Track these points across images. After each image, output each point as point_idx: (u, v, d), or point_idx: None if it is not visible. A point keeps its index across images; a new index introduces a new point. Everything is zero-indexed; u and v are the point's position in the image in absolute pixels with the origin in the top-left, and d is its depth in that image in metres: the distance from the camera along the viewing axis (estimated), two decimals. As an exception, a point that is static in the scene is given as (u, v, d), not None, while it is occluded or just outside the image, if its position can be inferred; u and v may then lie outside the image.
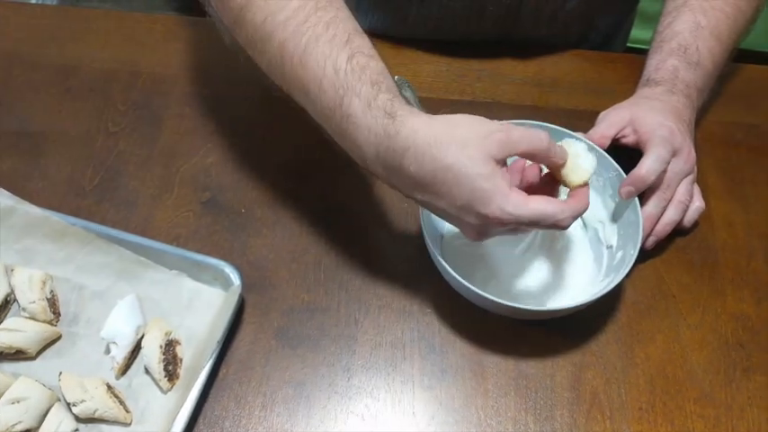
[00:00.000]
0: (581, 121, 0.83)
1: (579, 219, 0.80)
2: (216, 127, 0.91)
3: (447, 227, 0.80)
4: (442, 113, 0.64)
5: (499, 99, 0.94)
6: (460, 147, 0.61)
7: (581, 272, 0.78)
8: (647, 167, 0.75)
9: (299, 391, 0.73)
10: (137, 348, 0.73)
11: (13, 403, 0.68)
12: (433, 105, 0.79)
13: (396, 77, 0.79)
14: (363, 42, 0.66)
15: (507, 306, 0.69)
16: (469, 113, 0.88)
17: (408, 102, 0.77)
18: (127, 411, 0.69)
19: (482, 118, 0.64)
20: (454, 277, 0.70)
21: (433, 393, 0.73)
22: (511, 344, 0.75)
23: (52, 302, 0.75)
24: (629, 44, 1.19)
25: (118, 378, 0.72)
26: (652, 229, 0.78)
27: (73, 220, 0.78)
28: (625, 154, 0.79)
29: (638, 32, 1.21)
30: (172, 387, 0.71)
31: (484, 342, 0.75)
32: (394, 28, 0.98)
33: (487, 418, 0.71)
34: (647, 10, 1.13)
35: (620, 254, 0.76)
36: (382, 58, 0.67)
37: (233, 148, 0.89)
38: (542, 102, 0.94)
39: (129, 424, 0.69)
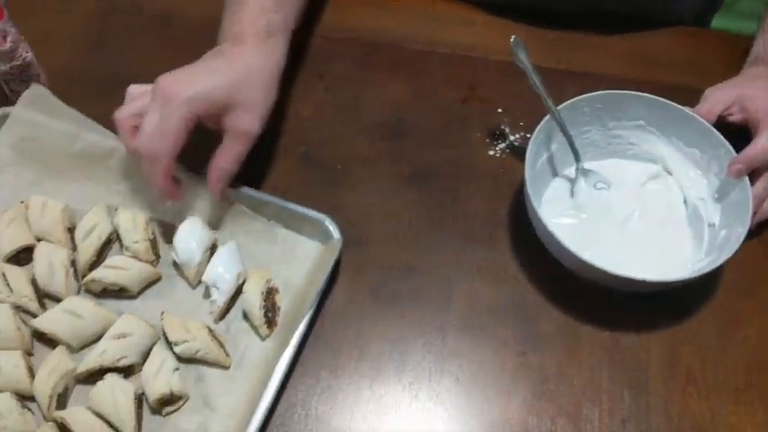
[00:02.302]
0: (679, 97, 0.81)
1: (680, 193, 0.79)
2: (311, 81, 0.91)
3: (546, 194, 0.80)
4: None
5: (594, 70, 0.92)
6: None
7: (680, 248, 0.77)
8: (761, 146, 0.73)
9: (394, 346, 0.73)
10: (236, 294, 0.73)
11: (118, 338, 0.69)
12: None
13: (513, 37, 0.78)
14: None
15: (611, 274, 0.68)
16: (568, 82, 0.86)
17: (522, 62, 0.77)
18: (227, 355, 0.70)
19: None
20: (557, 241, 0.69)
21: (527, 359, 0.73)
22: (606, 316, 0.75)
23: (153, 244, 0.76)
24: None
25: (216, 322, 0.73)
26: (756, 210, 0.77)
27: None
28: (723, 132, 0.77)
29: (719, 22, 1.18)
30: (270, 334, 0.72)
31: (579, 313, 0.75)
32: None
33: (582, 388, 0.71)
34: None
35: (723, 232, 0.74)
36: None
37: (328, 105, 0.89)
38: (641, 76, 0.92)
39: (228, 367, 0.70)
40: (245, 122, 0.73)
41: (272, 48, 0.77)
